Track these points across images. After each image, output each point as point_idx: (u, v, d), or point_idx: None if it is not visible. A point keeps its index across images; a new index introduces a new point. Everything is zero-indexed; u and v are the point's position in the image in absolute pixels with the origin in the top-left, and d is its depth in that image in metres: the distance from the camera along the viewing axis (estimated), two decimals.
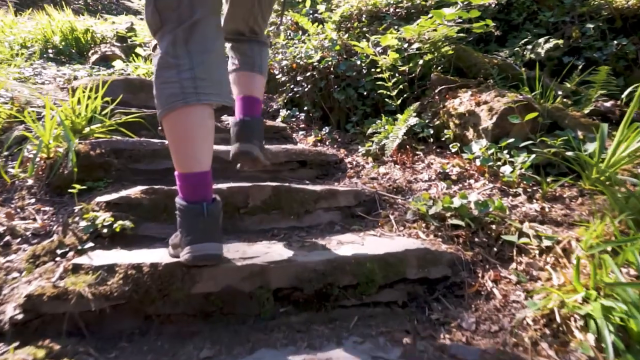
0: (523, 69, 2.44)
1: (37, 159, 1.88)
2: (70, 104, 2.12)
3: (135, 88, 2.80)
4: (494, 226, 1.61)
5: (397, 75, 2.75)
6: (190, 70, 1.17)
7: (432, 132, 2.47)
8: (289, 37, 3.61)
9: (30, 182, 1.85)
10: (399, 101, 2.72)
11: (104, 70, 4.33)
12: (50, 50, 5.28)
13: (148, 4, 1.20)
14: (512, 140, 2.04)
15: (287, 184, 1.90)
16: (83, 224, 1.45)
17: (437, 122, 2.50)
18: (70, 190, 1.67)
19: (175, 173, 1.25)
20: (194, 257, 1.15)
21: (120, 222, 1.44)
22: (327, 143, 2.90)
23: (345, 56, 3.15)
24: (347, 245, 1.51)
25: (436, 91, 2.56)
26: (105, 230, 1.42)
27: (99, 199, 1.59)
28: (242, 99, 1.62)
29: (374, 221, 1.88)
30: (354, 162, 2.55)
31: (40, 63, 4.69)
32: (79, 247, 1.35)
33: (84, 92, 2.17)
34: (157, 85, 1.20)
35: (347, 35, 3.21)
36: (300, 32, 3.68)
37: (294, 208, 1.84)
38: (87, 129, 2.12)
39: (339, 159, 2.56)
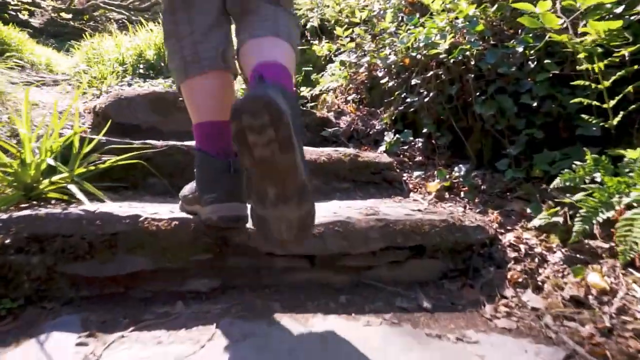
0: None
1: None
2: (27, 142, 1.27)
3: (168, 106, 1.92)
4: None
5: (603, 68, 1.39)
6: (191, 35, 1.03)
7: None
8: (400, 23, 2.43)
9: None
10: (616, 119, 1.35)
11: None
12: (141, 66, 4.98)
13: None
14: None
15: None
16: None
17: None
18: None
19: (193, 125, 1.07)
20: (219, 217, 0.98)
21: None
22: (461, 195, 1.65)
23: (492, 41, 1.87)
24: None
25: None
26: None
27: None
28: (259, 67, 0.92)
29: None
30: (522, 247, 1.26)
31: (129, 80, 4.44)
32: None
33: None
34: (167, 54, 1.09)
35: (495, 7, 1.92)
36: (417, 15, 2.47)
37: None
38: (45, 182, 1.24)
39: (490, 237, 1.30)
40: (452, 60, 1.82)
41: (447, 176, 1.70)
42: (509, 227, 1.38)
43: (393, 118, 2.23)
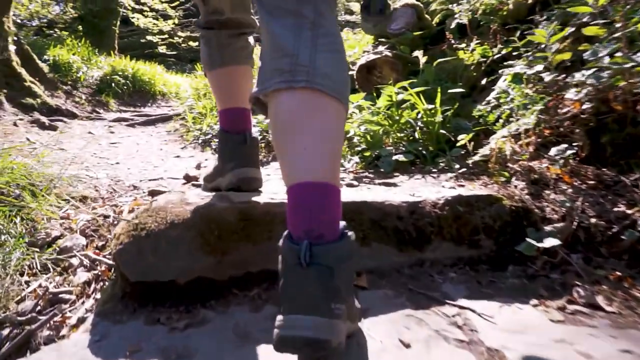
0: None
1: None
2: None
3: (227, 236, 0.99)
4: None
5: None
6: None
7: None
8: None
9: None
10: None
11: None
12: None
13: None
14: None
15: None
16: None
17: None
18: None
19: (218, 110, 1.27)
20: (239, 179, 1.18)
21: None
22: None
23: None
24: None
25: None
26: None
27: None
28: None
29: None
30: None
31: None
32: None
33: None
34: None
35: None
36: None
37: None
38: None
39: None
40: None
41: None
42: None
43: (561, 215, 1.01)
